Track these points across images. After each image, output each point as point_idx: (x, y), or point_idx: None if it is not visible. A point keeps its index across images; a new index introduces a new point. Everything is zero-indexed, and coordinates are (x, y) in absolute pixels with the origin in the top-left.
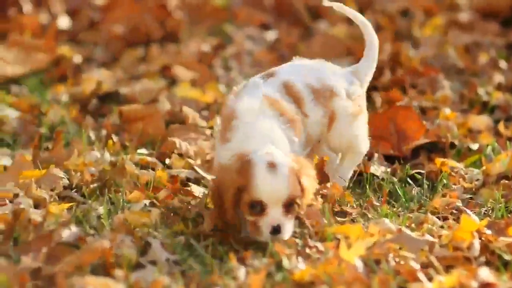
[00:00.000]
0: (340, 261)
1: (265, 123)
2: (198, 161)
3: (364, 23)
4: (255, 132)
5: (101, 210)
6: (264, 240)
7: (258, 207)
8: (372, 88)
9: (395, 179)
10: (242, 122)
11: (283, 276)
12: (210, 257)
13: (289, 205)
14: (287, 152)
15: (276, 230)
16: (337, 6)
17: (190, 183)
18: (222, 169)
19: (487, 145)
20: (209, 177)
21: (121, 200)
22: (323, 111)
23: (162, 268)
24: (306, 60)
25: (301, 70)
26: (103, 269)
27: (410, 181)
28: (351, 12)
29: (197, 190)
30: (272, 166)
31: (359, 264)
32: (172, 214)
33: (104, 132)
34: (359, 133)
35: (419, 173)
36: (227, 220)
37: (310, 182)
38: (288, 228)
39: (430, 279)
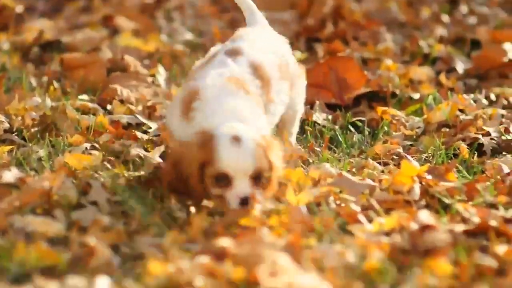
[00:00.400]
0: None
1: (231, 101)
2: (139, 107)
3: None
4: (220, 110)
5: (42, 152)
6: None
7: (224, 180)
8: (314, 40)
9: (336, 126)
10: (206, 101)
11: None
12: (151, 197)
13: (256, 178)
14: (254, 130)
15: (244, 202)
16: None
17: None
18: (183, 146)
19: (428, 95)
20: (149, 123)
21: (62, 144)
22: (287, 84)
23: (103, 208)
24: (251, 30)
25: (262, 45)
26: (43, 209)
27: (351, 129)
28: None
29: (139, 135)
30: (237, 139)
31: (303, 207)
32: (113, 158)
33: (45, 79)
34: (303, 95)
35: (360, 121)
36: (195, 196)
37: (278, 159)
38: (256, 200)
39: (370, 221)
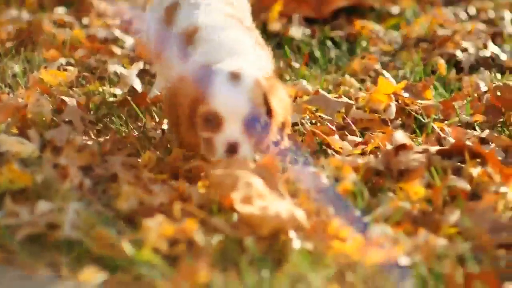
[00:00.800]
0: None
1: (235, 36)
2: (117, 21)
3: None
4: (222, 47)
5: (17, 68)
6: (216, 159)
7: (214, 121)
8: None
9: (313, 42)
10: (208, 37)
11: None
12: (126, 115)
13: (250, 123)
14: (257, 70)
15: (231, 149)
16: None
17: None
18: (178, 80)
19: (407, 9)
20: (126, 38)
21: (37, 59)
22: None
23: (77, 127)
24: None
25: None
26: (17, 128)
27: (329, 44)
28: None
29: (116, 50)
30: (234, 76)
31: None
32: (89, 74)
33: None
34: None
35: (339, 36)
36: (182, 137)
37: (281, 105)
38: (247, 149)
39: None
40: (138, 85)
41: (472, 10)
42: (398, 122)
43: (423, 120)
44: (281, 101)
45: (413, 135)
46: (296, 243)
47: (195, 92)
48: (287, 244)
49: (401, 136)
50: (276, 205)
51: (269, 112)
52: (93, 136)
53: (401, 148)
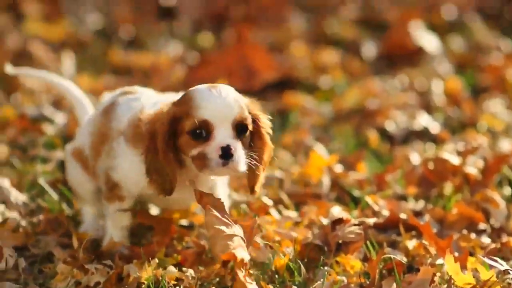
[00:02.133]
0: None
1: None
2: (46, 98)
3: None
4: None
5: None
6: (215, 172)
7: (203, 132)
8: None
9: None
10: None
11: None
12: (58, 196)
13: (240, 129)
14: None
15: (226, 153)
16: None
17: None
18: (154, 114)
19: (337, 81)
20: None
21: None
22: None
23: (11, 207)
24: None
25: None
26: None
27: None
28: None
29: (47, 128)
30: (215, 87)
31: None
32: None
33: None
34: None
35: (270, 109)
36: (161, 164)
37: (265, 117)
38: (241, 156)
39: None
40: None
41: (402, 80)
42: (333, 195)
43: (356, 194)
44: (263, 115)
45: (348, 208)
46: None
47: (177, 111)
48: None
49: (338, 211)
50: None
51: (255, 118)
52: (26, 216)
53: (337, 222)
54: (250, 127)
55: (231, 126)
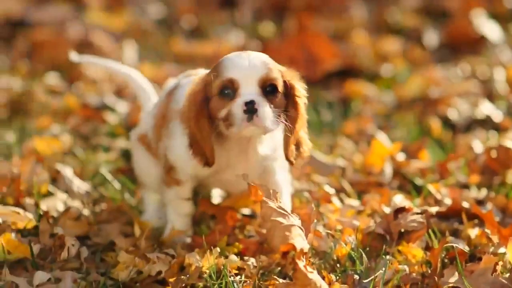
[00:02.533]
0: None
1: None
2: (108, 87)
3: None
4: None
5: (10, 137)
6: (239, 130)
7: (229, 91)
8: (283, 12)
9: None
10: None
11: None
12: (120, 185)
13: (267, 89)
14: None
15: (250, 108)
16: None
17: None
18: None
19: (399, 69)
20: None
21: (31, 127)
22: None
23: (73, 196)
24: None
25: None
26: (13, 197)
27: (322, 106)
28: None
29: (109, 117)
30: (247, 52)
31: None
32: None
33: (11, 58)
34: None
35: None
36: (195, 134)
37: (301, 88)
38: (267, 112)
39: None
40: None
41: (464, 68)
42: (395, 184)
43: (418, 182)
44: (301, 86)
45: (410, 196)
46: None
47: (209, 75)
48: None
49: (400, 199)
50: None
51: (290, 86)
52: (89, 205)
53: (400, 211)
54: (280, 89)
55: (257, 84)
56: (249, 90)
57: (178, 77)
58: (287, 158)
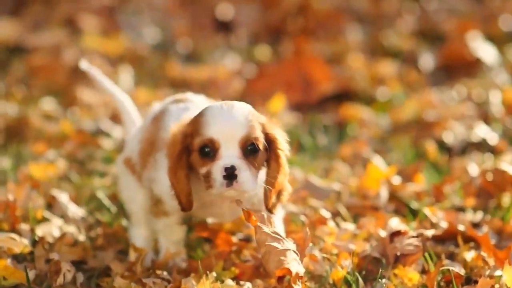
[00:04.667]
0: None
1: None
2: (104, 112)
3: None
4: None
5: (6, 163)
6: (220, 192)
7: (210, 150)
8: (279, 36)
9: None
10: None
11: None
12: (116, 208)
13: (248, 149)
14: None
15: (230, 173)
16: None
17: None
18: (171, 133)
19: (394, 92)
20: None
21: (26, 153)
22: None
23: (69, 221)
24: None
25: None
26: (8, 223)
27: (319, 130)
28: (108, 84)
29: (105, 143)
30: (228, 105)
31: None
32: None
33: (7, 84)
34: None
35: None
36: (174, 184)
37: (282, 136)
38: (247, 176)
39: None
40: None
41: (460, 91)
42: (391, 207)
43: (414, 207)
44: (281, 134)
45: (405, 219)
46: None
47: (188, 128)
48: None
49: (396, 223)
50: None
51: (270, 138)
52: (84, 231)
53: (396, 234)
54: (261, 147)
55: (238, 145)
56: (229, 152)
57: (164, 101)
58: (267, 209)
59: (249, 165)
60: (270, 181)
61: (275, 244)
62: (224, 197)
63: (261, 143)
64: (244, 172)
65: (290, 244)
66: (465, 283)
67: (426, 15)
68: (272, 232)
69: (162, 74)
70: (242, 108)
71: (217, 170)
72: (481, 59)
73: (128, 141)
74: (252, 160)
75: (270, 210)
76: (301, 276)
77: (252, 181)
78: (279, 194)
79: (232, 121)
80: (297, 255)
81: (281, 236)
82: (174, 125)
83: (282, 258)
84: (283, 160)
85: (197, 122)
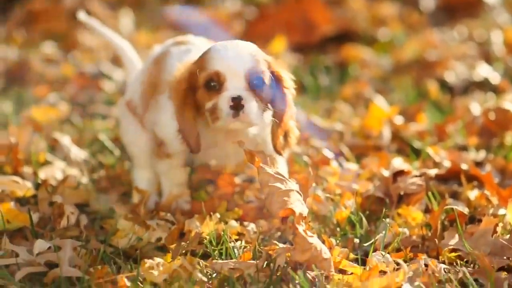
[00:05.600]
0: None
1: None
2: (104, 54)
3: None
4: None
5: (7, 107)
6: (225, 124)
7: (216, 83)
8: None
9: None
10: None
11: None
12: (119, 151)
13: (254, 82)
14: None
15: (236, 104)
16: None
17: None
18: (176, 72)
19: (395, 33)
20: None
21: (27, 96)
22: None
23: (72, 164)
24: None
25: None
26: (11, 167)
27: (320, 71)
28: (107, 33)
29: (106, 85)
30: (234, 43)
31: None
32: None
33: (7, 28)
34: None
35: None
36: (182, 125)
37: (288, 78)
38: (254, 107)
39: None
40: None
41: (461, 31)
42: (393, 147)
43: (417, 145)
44: (288, 75)
45: (408, 159)
46: None
47: (195, 66)
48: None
49: (399, 163)
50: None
51: (277, 76)
52: (87, 172)
53: (399, 174)
54: (267, 81)
55: (243, 77)
56: (235, 84)
57: (165, 43)
58: (275, 149)
59: (255, 97)
60: (276, 121)
61: (278, 184)
62: (229, 130)
63: (267, 78)
64: (250, 103)
65: (293, 185)
66: (469, 222)
67: None
68: (274, 173)
69: (162, 17)
70: (247, 45)
71: (223, 101)
72: None
73: (129, 84)
74: (258, 92)
75: (278, 152)
76: (305, 217)
77: (258, 112)
78: (286, 136)
79: (237, 55)
80: (300, 195)
81: (284, 177)
82: (179, 65)
83: (285, 198)
84: (289, 98)
85: (202, 60)
